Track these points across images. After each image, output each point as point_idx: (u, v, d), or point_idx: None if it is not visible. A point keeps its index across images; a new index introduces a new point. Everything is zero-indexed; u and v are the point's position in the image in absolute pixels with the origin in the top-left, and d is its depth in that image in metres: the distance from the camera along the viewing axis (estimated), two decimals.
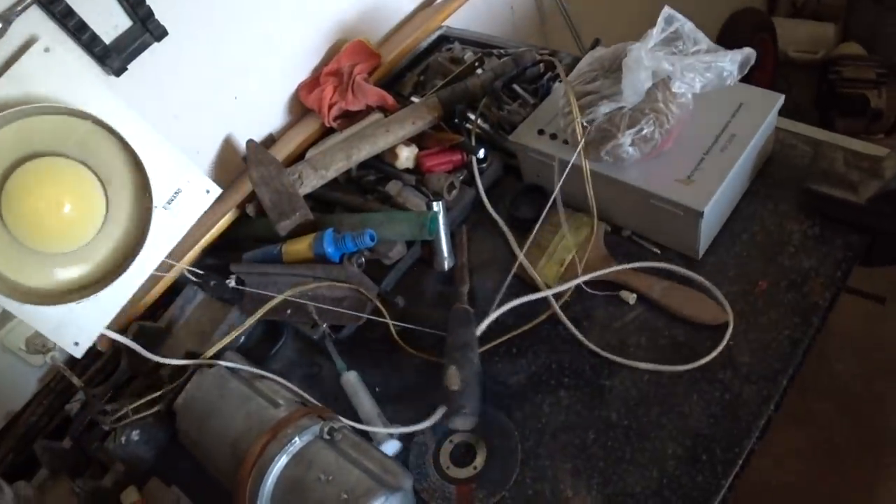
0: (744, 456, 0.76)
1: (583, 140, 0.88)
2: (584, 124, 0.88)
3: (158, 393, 0.93)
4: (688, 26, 0.87)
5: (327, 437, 0.76)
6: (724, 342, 0.82)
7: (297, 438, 0.75)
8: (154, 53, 1.01)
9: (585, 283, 0.92)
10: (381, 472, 0.73)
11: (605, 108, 0.87)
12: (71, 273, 0.91)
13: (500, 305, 0.92)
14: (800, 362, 0.81)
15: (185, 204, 1.00)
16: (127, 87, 1.01)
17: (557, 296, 0.92)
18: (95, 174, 0.90)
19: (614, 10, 1.90)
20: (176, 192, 0.99)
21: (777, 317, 0.84)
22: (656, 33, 0.86)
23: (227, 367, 0.88)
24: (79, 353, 0.95)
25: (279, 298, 0.94)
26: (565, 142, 0.94)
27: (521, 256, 0.96)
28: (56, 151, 0.88)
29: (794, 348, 0.81)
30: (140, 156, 0.90)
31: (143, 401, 0.92)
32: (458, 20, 1.33)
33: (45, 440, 1.00)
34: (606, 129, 0.87)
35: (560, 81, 1.04)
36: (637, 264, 0.91)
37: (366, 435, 0.84)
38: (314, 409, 0.81)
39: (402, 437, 0.87)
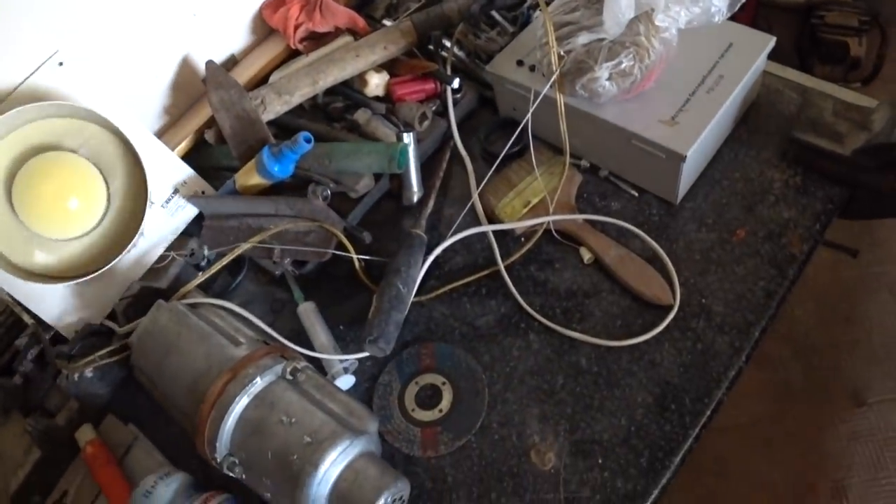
0: (712, 406, 0.75)
1: (557, 71, 0.84)
2: (561, 54, 0.84)
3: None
4: None
5: (290, 377, 0.74)
6: (664, 325, 0.80)
7: (258, 378, 0.72)
8: None
9: (545, 230, 0.89)
10: (345, 414, 0.71)
11: (583, 38, 0.83)
12: (69, 257, 0.95)
13: (453, 235, 0.90)
14: (773, 314, 0.80)
15: (181, 203, 1.01)
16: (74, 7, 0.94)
17: (514, 238, 0.90)
18: (100, 171, 0.94)
19: None
20: (173, 193, 1.00)
21: (753, 267, 0.82)
22: None
23: (187, 304, 0.84)
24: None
25: (245, 247, 0.90)
26: (543, 75, 0.89)
27: (474, 195, 0.93)
28: (67, 148, 0.93)
29: (769, 300, 0.80)
30: (141, 158, 0.93)
31: (109, 349, 0.88)
32: None
33: None
34: (583, 62, 0.83)
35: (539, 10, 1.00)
36: (599, 217, 0.88)
37: (319, 364, 0.83)
38: (276, 347, 0.78)
39: (367, 378, 0.85)
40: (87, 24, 0.97)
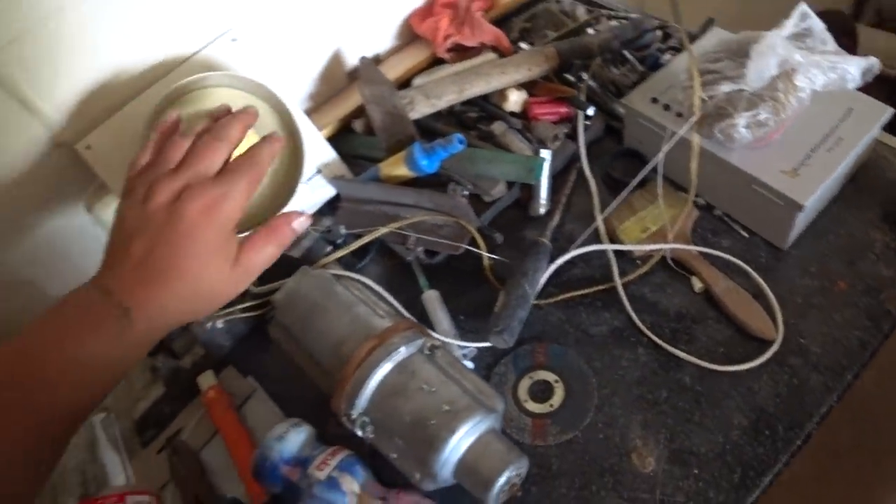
0: (802, 437, 0.81)
1: (698, 113, 0.92)
2: (704, 98, 0.92)
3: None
4: (819, 26, 0.91)
5: (428, 352, 0.81)
6: (765, 357, 0.86)
7: (402, 348, 0.79)
8: None
9: (662, 256, 0.96)
10: (476, 392, 0.78)
11: (725, 87, 0.90)
12: None
13: (575, 249, 0.97)
14: (865, 363, 0.86)
15: (321, 183, 1.09)
16: None
17: (630, 259, 0.97)
18: None
19: None
20: (316, 172, 1.08)
21: (850, 317, 0.89)
22: (790, 26, 0.89)
23: (332, 274, 0.92)
24: None
25: (383, 231, 0.98)
26: (678, 115, 0.97)
27: (598, 215, 1.00)
28: None
29: (863, 349, 0.86)
30: (301, 135, 0.98)
31: (248, 304, 0.97)
32: None
33: None
34: (723, 108, 0.90)
35: (678, 54, 1.08)
36: (712, 251, 0.95)
37: None
38: (416, 323, 0.85)
39: (483, 367, 0.93)
40: (260, 9, 1.06)
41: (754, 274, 0.92)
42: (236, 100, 1.00)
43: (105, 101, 0.97)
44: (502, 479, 0.72)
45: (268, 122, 1.02)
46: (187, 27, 1.00)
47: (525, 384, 0.90)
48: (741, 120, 0.88)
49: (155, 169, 0.74)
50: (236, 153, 0.82)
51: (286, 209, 1.01)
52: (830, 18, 2.64)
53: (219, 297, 0.74)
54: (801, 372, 0.86)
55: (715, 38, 1.04)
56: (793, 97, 0.88)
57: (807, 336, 0.88)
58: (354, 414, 0.79)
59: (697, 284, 0.93)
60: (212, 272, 0.71)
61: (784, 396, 0.84)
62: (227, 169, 0.75)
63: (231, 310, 0.95)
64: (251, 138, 0.99)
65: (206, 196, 0.70)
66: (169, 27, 0.98)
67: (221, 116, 0.82)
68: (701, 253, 0.95)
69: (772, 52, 0.85)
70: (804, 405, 0.83)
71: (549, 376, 0.90)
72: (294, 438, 0.83)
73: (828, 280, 0.92)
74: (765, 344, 0.87)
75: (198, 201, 0.70)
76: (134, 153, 0.91)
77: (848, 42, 2.37)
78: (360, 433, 0.79)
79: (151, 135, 0.85)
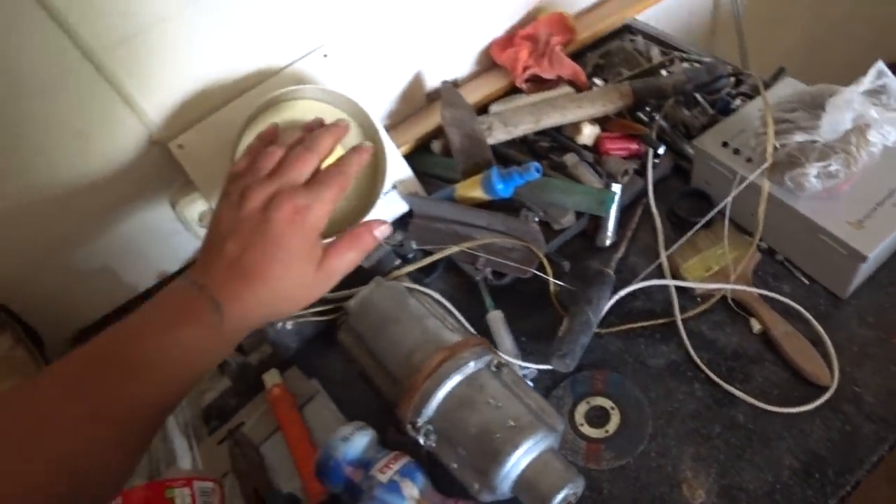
0: (853, 483, 0.83)
1: (770, 160, 0.95)
2: (777, 146, 0.94)
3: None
4: (894, 83, 0.93)
5: (495, 369, 0.84)
6: (819, 402, 0.88)
7: (472, 363, 0.82)
8: None
9: (723, 295, 0.99)
10: (539, 411, 0.81)
11: (798, 137, 0.93)
12: None
13: (639, 281, 1.00)
14: None
15: (395, 199, 1.13)
16: (352, 4, 1.08)
17: (691, 296, 1.00)
18: None
19: (783, 40, 1.96)
20: (392, 187, 1.13)
21: None
22: (867, 82, 0.92)
23: (406, 287, 0.96)
24: None
25: (454, 249, 1.02)
26: (748, 160, 1.00)
27: (662, 251, 1.03)
28: None
29: None
30: (385, 150, 1.03)
31: (319, 308, 1.01)
32: (641, 13, 1.38)
33: None
34: (795, 157, 0.93)
35: (750, 100, 1.11)
36: (773, 294, 0.98)
37: None
38: (485, 341, 0.88)
39: (542, 389, 0.95)
40: (352, 28, 1.11)
41: (813, 320, 0.95)
42: (324, 112, 1.05)
43: (200, 105, 1.03)
44: (559, 497, 0.75)
45: (353, 135, 1.07)
46: (283, 41, 1.06)
47: (582, 409, 0.93)
48: (812, 170, 0.91)
49: (250, 175, 0.78)
50: (326, 163, 0.88)
51: (366, 220, 1.06)
52: None
53: (301, 299, 0.78)
54: (854, 420, 0.87)
55: (788, 87, 1.07)
56: (864, 151, 0.91)
57: (861, 385, 0.90)
58: (420, 422, 0.82)
59: (756, 326, 0.96)
60: (295, 275, 0.75)
61: (836, 442, 0.86)
62: (316, 179, 0.79)
63: (303, 313, 0.99)
64: (337, 151, 1.04)
65: (295, 203, 0.74)
66: (265, 40, 1.04)
67: (315, 127, 0.87)
68: (761, 295, 0.98)
69: (848, 106, 0.88)
70: (855, 452, 0.85)
71: (606, 403, 0.93)
72: (359, 441, 0.86)
73: (885, 331, 0.94)
74: (819, 389, 0.89)
75: (287, 207, 0.74)
76: (223, 155, 0.97)
77: None
78: (422, 441, 0.82)
79: (244, 140, 0.91)
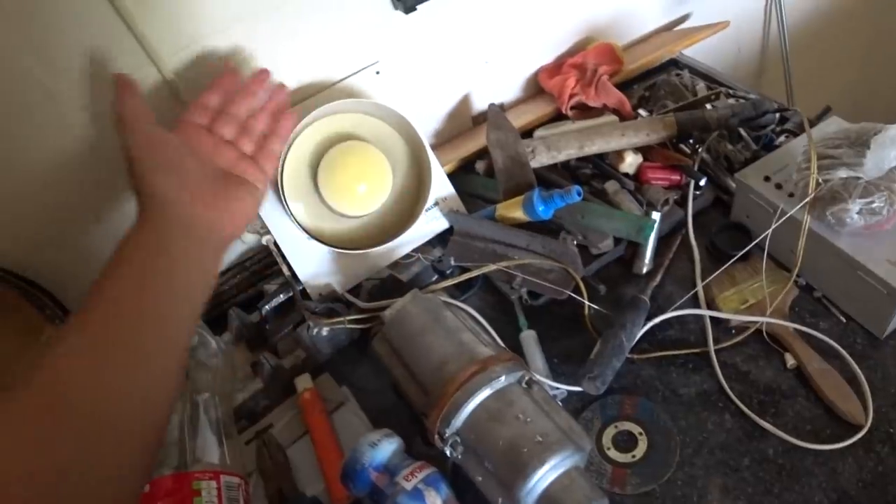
0: None
1: (812, 194, 0.95)
2: (819, 181, 0.95)
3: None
4: None
5: (526, 385, 0.85)
6: (853, 440, 0.87)
7: (503, 377, 0.83)
8: (440, 3, 1.11)
9: (757, 328, 0.99)
10: (568, 429, 0.81)
11: (842, 173, 0.93)
12: (343, 230, 1.14)
13: (674, 310, 1.00)
14: None
15: (437, 215, 1.16)
16: (409, 24, 1.11)
17: (725, 328, 1.00)
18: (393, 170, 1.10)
19: (829, 80, 1.96)
20: (434, 204, 1.16)
21: None
22: None
23: (442, 301, 0.97)
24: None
25: (492, 267, 1.04)
26: (790, 195, 1.00)
27: (699, 282, 1.03)
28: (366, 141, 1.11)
29: None
30: (431, 166, 1.10)
31: (355, 317, 1.04)
32: (689, 48, 1.40)
33: (239, 309, 1.12)
34: (838, 192, 0.93)
35: (794, 136, 1.12)
36: (809, 330, 0.97)
37: None
38: (516, 357, 0.89)
39: (571, 410, 0.95)
40: (404, 47, 1.15)
41: (849, 358, 0.94)
42: (373, 126, 1.08)
43: None
44: None
45: (399, 151, 1.10)
46: (338, 56, 1.09)
47: (610, 432, 0.93)
48: (855, 206, 0.91)
49: (224, 127, 0.93)
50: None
51: (406, 233, 1.08)
52: None
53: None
54: (888, 461, 0.86)
55: (833, 125, 1.07)
56: None
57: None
58: (448, 433, 0.83)
59: (790, 361, 0.95)
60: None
61: (868, 482, 0.84)
62: (269, 152, 0.96)
63: (338, 319, 1.01)
64: (382, 164, 1.06)
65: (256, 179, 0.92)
66: (322, 54, 1.07)
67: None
68: (797, 331, 0.97)
69: (893, 144, 0.88)
70: (888, 494, 0.83)
71: (635, 428, 0.92)
72: (386, 447, 0.87)
73: None
74: (853, 428, 0.88)
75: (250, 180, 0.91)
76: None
77: None
78: (449, 452, 0.83)
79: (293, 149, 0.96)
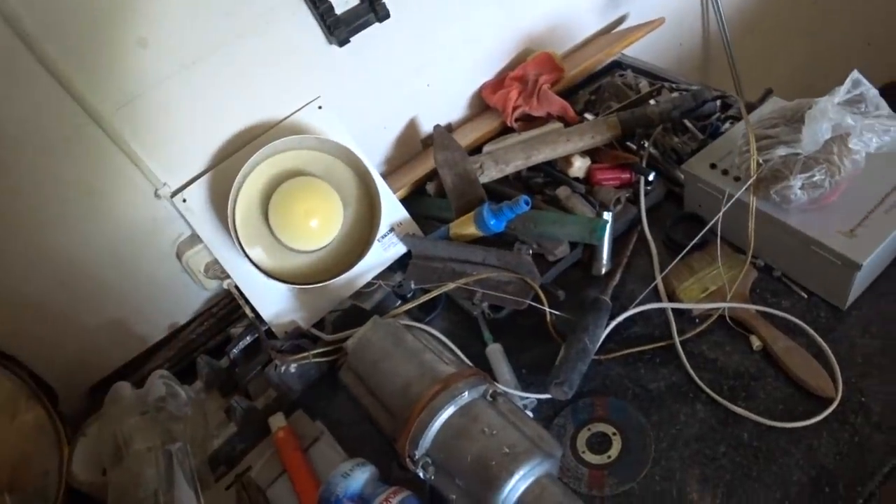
0: (865, 496, 0.81)
1: (755, 176, 0.95)
2: (760, 162, 0.95)
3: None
4: (872, 92, 0.93)
5: (490, 399, 0.85)
6: (825, 414, 0.87)
7: (466, 393, 0.83)
8: (374, 32, 1.13)
9: (720, 315, 0.99)
10: (536, 438, 0.81)
11: (781, 151, 0.94)
12: (299, 266, 1.13)
13: (636, 307, 1.00)
14: None
15: (394, 241, 1.17)
16: (345, 57, 1.13)
17: (689, 318, 1.00)
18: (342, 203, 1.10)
19: (774, 63, 1.98)
20: (389, 230, 1.16)
21: None
22: (842, 92, 0.92)
23: (403, 324, 0.97)
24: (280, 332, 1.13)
25: (451, 286, 1.04)
26: (736, 178, 1.01)
27: (658, 275, 1.04)
28: (315, 176, 1.11)
29: None
30: (380, 195, 1.10)
31: (321, 350, 1.04)
32: (630, 48, 1.41)
33: (207, 356, 1.12)
34: (779, 171, 0.94)
35: (737, 122, 1.13)
36: (771, 310, 0.97)
37: None
38: (480, 371, 0.89)
39: (542, 418, 0.95)
40: (344, 81, 1.16)
41: (813, 333, 0.94)
42: (320, 161, 1.08)
43: (201, 160, 1.08)
44: None
45: (347, 183, 1.10)
46: (279, 96, 1.10)
47: (583, 436, 0.92)
48: (797, 182, 0.91)
49: None
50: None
51: (365, 262, 1.08)
52: None
53: None
54: (863, 430, 0.86)
55: (772, 105, 1.08)
56: (847, 160, 0.91)
57: (868, 395, 0.88)
58: (418, 454, 0.82)
59: (756, 343, 0.95)
60: None
61: (845, 454, 0.84)
62: None
63: (304, 355, 1.01)
64: (332, 197, 1.07)
65: None
66: (262, 95, 1.09)
67: None
68: (759, 312, 0.97)
69: (824, 117, 0.88)
70: (865, 463, 0.83)
71: (608, 429, 0.92)
72: (359, 476, 0.87)
73: (889, 340, 0.92)
74: (825, 402, 0.88)
75: None
76: (225, 207, 1.01)
77: None
78: (421, 474, 0.83)
79: (243, 191, 0.95)
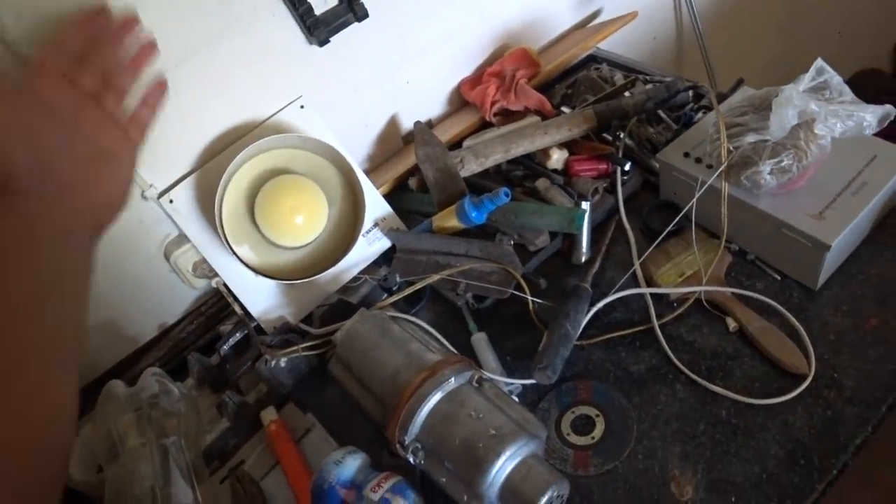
0: (839, 467, 0.84)
1: (726, 162, 0.98)
2: (730, 149, 0.98)
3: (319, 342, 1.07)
4: (836, 79, 0.97)
5: (476, 384, 0.87)
6: (799, 390, 0.90)
7: (452, 379, 0.85)
8: (353, 31, 1.14)
9: (697, 298, 1.02)
10: (521, 420, 0.83)
11: (750, 138, 0.97)
12: (286, 263, 1.14)
13: (615, 293, 1.04)
14: None
15: (378, 236, 1.19)
16: (325, 57, 1.15)
17: (667, 302, 1.03)
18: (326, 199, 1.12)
19: (747, 54, 2.02)
20: (373, 225, 1.18)
21: (883, 352, 0.92)
22: (807, 79, 0.96)
23: (390, 315, 1.00)
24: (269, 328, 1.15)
25: (435, 278, 1.07)
26: (709, 166, 1.04)
27: (636, 262, 1.07)
28: (299, 174, 1.12)
29: None
30: (364, 191, 1.12)
31: (310, 343, 1.06)
32: (605, 42, 1.44)
33: (197, 353, 1.14)
34: (749, 157, 0.97)
35: (709, 112, 1.16)
36: (746, 292, 1.00)
37: None
38: (466, 358, 0.91)
39: (528, 403, 0.98)
40: (325, 80, 1.18)
41: (787, 313, 0.97)
42: (304, 159, 1.10)
43: (187, 160, 1.09)
44: (544, 499, 0.77)
45: (332, 180, 1.12)
46: (262, 96, 1.12)
47: (568, 418, 0.95)
48: (766, 167, 0.95)
49: (86, 74, 0.77)
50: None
51: (350, 257, 1.11)
52: (871, 77, 2.69)
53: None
54: (836, 404, 0.89)
55: (742, 93, 1.11)
56: (813, 144, 0.94)
57: (840, 371, 0.91)
58: (407, 440, 0.85)
59: (732, 324, 0.98)
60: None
61: (819, 428, 0.87)
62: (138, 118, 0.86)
63: (293, 349, 1.03)
64: (317, 194, 1.09)
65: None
66: (246, 95, 1.10)
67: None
68: (735, 294, 1.00)
69: (789, 104, 0.92)
70: (839, 436, 0.86)
71: (591, 411, 0.95)
72: (351, 463, 0.89)
73: (860, 318, 0.96)
74: (799, 378, 0.91)
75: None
76: (211, 206, 1.02)
77: (888, 100, 2.41)
78: (412, 459, 0.85)
79: (229, 191, 0.97)
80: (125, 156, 0.80)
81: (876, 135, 0.97)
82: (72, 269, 0.71)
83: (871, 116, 0.94)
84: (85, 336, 0.75)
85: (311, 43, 1.12)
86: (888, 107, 0.94)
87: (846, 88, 0.96)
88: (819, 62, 0.95)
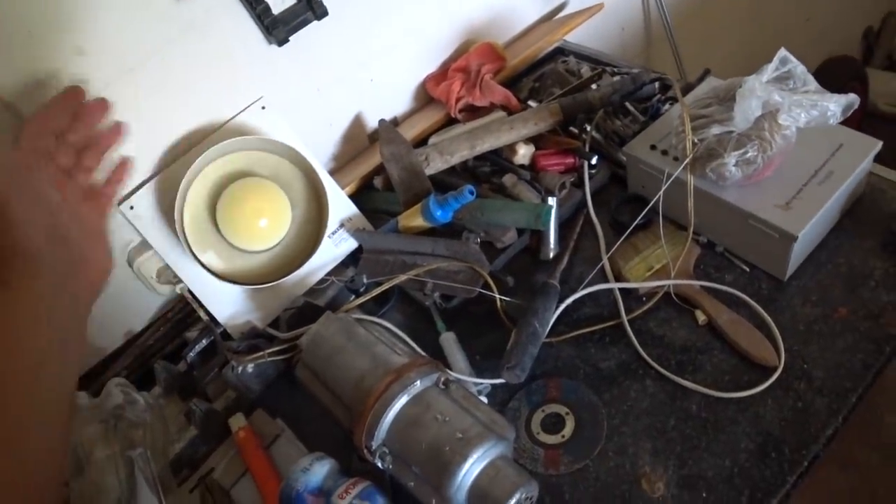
0: (810, 458, 0.84)
1: (691, 155, 0.98)
2: (695, 141, 0.97)
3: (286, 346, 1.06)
4: (800, 69, 0.96)
5: (442, 386, 0.86)
6: (769, 382, 0.90)
7: (418, 382, 0.84)
8: (313, 30, 1.13)
9: (665, 292, 1.01)
10: (488, 422, 0.82)
11: (715, 129, 0.96)
12: (251, 267, 1.13)
13: (584, 288, 1.03)
14: (869, 384, 0.89)
15: (344, 237, 1.18)
16: (285, 57, 1.13)
17: (636, 297, 1.02)
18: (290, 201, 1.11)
19: (716, 44, 2.01)
20: (339, 226, 1.17)
21: (853, 341, 0.92)
22: (770, 69, 0.95)
23: (356, 318, 0.98)
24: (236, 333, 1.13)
25: (402, 278, 1.05)
26: (675, 158, 1.03)
27: (604, 256, 1.06)
28: (261, 176, 1.11)
29: (866, 371, 0.89)
30: (327, 192, 1.11)
31: (277, 348, 1.04)
32: (572, 35, 1.43)
33: (164, 361, 1.12)
34: (714, 149, 0.96)
35: (675, 103, 1.15)
36: (715, 285, 0.99)
37: None
38: (432, 360, 0.90)
39: (497, 403, 0.97)
40: (286, 80, 1.16)
41: (755, 305, 0.96)
42: (266, 161, 1.09)
43: (147, 166, 1.07)
44: (512, 502, 0.76)
45: (295, 182, 1.11)
46: (221, 98, 1.10)
47: (538, 417, 0.94)
48: (731, 159, 0.94)
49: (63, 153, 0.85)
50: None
51: (316, 259, 1.09)
52: (841, 64, 2.70)
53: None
54: (806, 396, 0.88)
55: (707, 84, 1.11)
56: (778, 135, 0.94)
57: (809, 361, 0.91)
58: (374, 445, 0.84)
59: (701, 317, 0.98)
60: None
61: (790, 420, 0.87)
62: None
63: (259, 354, 1.02)
64: (279, 197, 1.07)
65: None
66: (205, 98, 1.08)
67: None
68: (703, 287, 1.00)
69: (752, 94, 0.91)
70: (810, 427, 0.86)
71: (561, 409, 0.94)
72: (318, 470, 0.88)
73: (829, 307, 0.96)
74: (769, 370, 0.91)
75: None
76: (172, 212, 1.00)
77: (859, 86, 2.42)
78: (379, 464, 0.84)
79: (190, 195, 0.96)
80: (104, 226, 0.88)
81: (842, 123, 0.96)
82: (76, 336, 0.75)
83: (835, 106, 0.93)
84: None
85: (270, 43, 1.10)
86: (852, 96, 0.94)
87: (810, 78, 0.96)
88: (783, 52, 0.95)
